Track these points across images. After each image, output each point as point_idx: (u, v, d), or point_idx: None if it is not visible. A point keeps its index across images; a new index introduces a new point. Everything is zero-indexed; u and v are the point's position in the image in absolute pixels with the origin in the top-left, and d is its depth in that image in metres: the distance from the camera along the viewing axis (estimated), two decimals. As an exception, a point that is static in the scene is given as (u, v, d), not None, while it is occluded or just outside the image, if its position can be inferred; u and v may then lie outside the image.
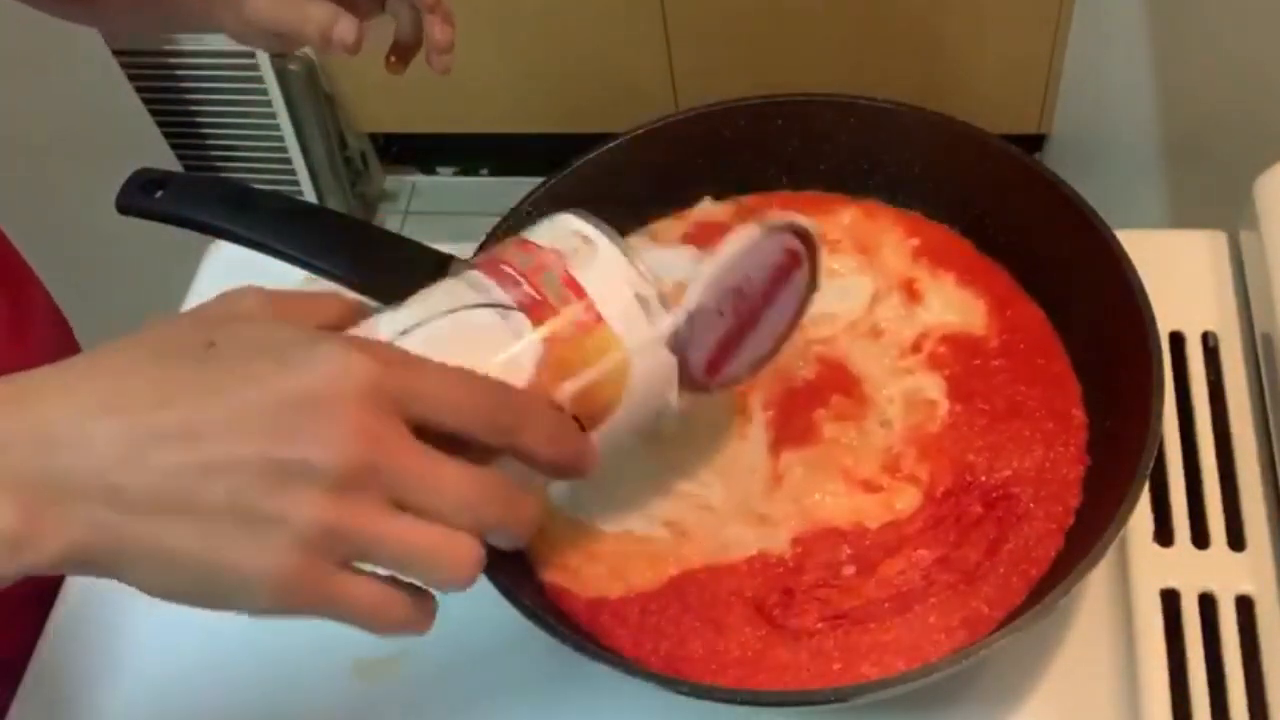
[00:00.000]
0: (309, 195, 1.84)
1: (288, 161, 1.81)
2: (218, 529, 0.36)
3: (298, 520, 0.36)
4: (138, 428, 0.36)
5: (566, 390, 0.44)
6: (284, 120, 1.74)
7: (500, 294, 0.44)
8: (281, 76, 1.70)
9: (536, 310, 0.44)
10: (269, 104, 1.72)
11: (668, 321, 0.47)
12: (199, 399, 0.36)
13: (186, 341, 0.38)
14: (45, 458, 0.36)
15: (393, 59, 0.68)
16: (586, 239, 0.46)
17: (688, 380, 0.50)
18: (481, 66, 1.71)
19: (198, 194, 0.68)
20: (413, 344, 0.42)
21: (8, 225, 1.18)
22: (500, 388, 0.42)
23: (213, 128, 1.81)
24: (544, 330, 0.44)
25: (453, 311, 0.44)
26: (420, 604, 0.40)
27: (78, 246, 1.34)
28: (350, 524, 0.37)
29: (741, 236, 0.50)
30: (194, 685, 0.64)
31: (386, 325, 0.43)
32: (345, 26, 0.61)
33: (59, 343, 0.81)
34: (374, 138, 1.92)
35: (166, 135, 1.62)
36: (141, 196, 0.66)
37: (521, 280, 0.45)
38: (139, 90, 1.54)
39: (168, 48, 1.70)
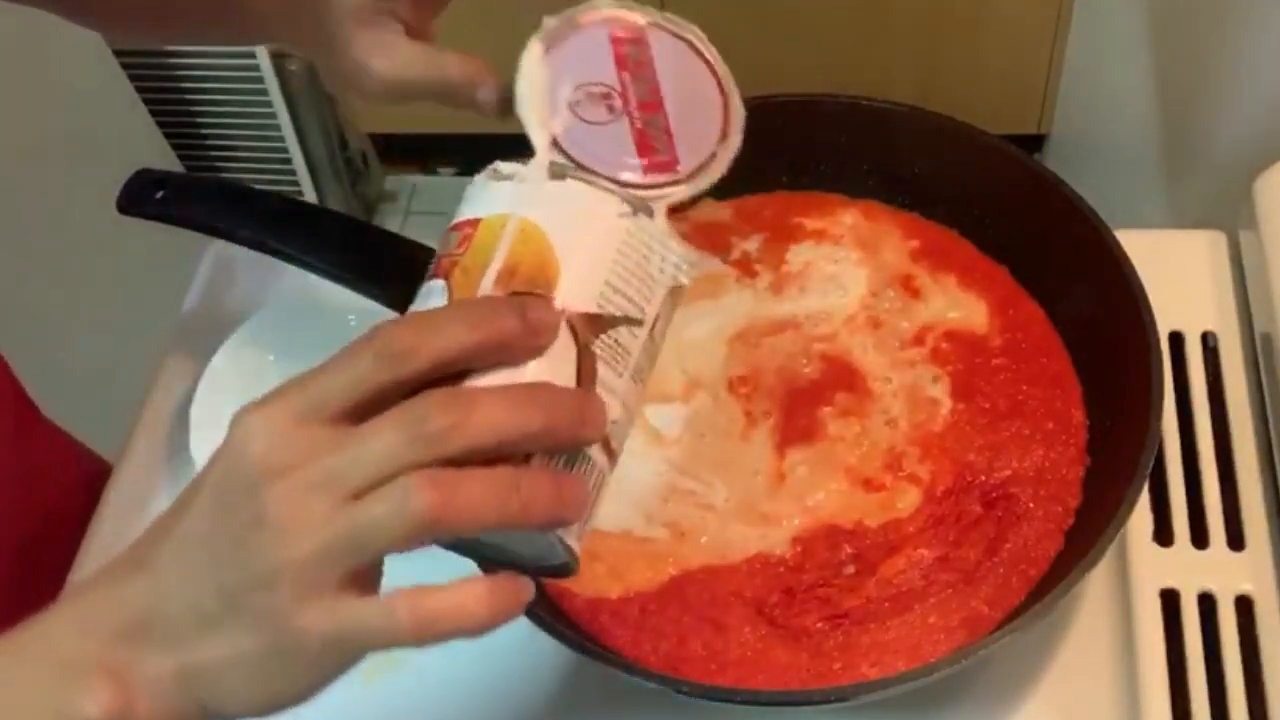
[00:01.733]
0: (309, 195, 1.84)
1: (288, 161, 1.80)
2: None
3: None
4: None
5: (483, 287, 0.41)
6: (284, 120, 1.74)
7: (424, 288, 0.43)
8: (281, 76, 1.70)
9: (434, 272, 0.43)
10: (269, 104, 1.72)
11: (538, 162, 0.44)
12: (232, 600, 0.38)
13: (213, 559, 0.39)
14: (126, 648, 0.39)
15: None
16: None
17: (660, 194, 0.46)
18: (481, 66, 1.70)
19: (198, 194, 0.68)
20: None
21: (7, 225, 1.18)
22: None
23: (213, 128, 1.80)
24: (447, 272, 0.43)
25: None
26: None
27: (77, 247, 1.34)
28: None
29: (530, 58, 0.47)
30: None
31: None
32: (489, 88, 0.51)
33: None
34: (374, 138, 1.92)
35: (166, 135, 1.62)
36: (141, 196, 0.66)
37: (434, 263, 0.44)
38: (139, 90, 1.54)
39: (168, 48, 1.70)
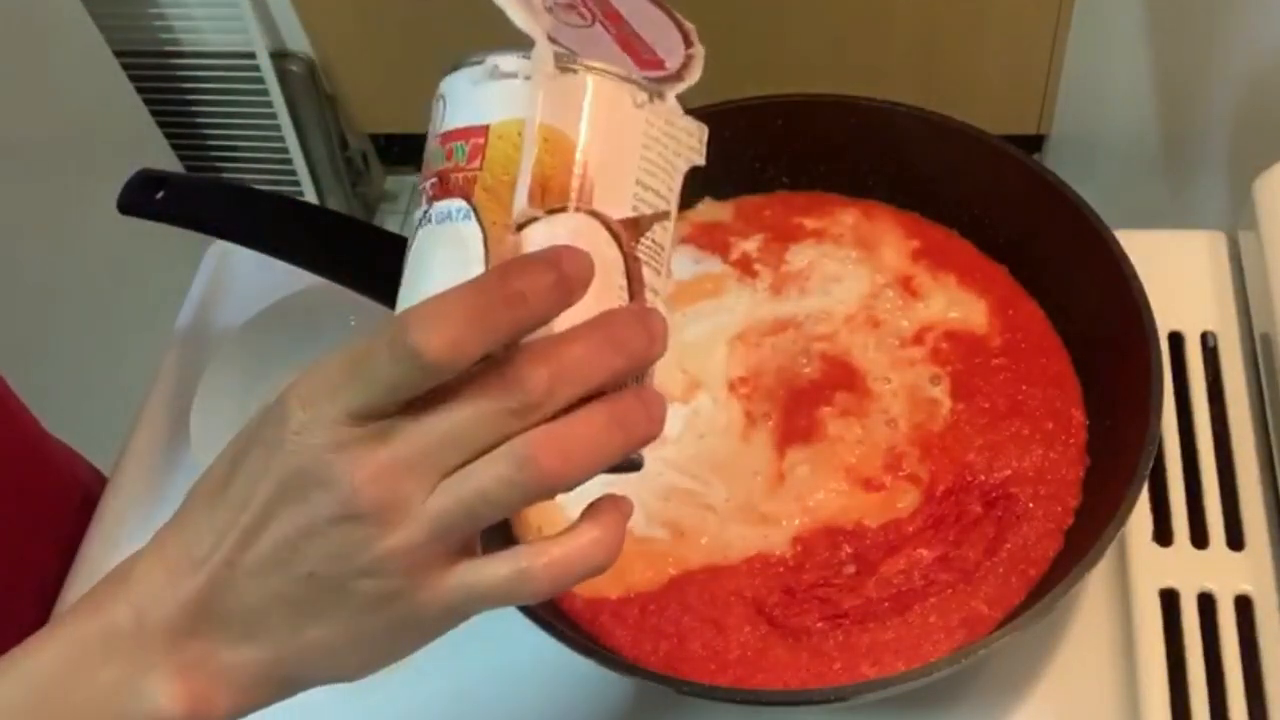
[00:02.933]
0: (309, 195, 1.84)
1: (288, 161, 1.81)
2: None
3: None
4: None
5: (518, 205, 0.39)
6: (284, 120, 1.74)
7: (439, 209, 0.41)
8: (282, 76, 1.70)
9: (443, 190, 0.41)
10: (269, 104, 1.72)
11: (540, 55, 0.40)
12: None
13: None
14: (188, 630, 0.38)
15: None
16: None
17: (656, 79, 0.44)
18: (482, 66, 1.70)
19: (198, 194, 0.68)
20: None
21: (7, 224, 1.18)
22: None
23: (213, 128, 1.81)
24: (466, 191, 0.40)
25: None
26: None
27: (78, 246, 1.34)
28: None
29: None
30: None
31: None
32: None
33: None
34: (375, 138, 1.92)
35: (166, 135, 1.62)
36: (141, 196, 0.66)
37: (438, 178, 0.42)
38: (139, 90, 1.54)
39: (168, 48, 1.70)
